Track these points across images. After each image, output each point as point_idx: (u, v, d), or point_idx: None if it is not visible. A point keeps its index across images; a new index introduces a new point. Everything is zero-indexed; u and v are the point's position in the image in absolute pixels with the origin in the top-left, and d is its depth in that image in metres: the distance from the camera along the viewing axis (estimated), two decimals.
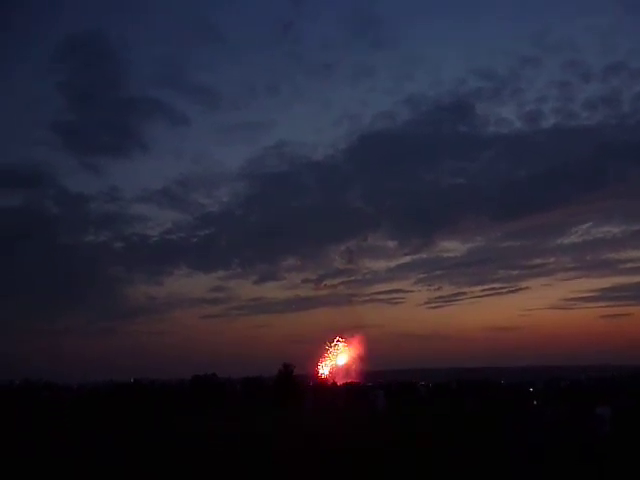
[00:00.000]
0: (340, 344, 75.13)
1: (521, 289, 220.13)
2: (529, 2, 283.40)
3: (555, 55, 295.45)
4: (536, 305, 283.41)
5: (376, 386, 71.72)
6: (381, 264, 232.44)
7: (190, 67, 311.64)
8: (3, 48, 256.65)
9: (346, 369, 75.80)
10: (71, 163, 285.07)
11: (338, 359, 75.46)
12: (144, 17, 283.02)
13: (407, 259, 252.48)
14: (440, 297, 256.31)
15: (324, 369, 75.66)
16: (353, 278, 74.55)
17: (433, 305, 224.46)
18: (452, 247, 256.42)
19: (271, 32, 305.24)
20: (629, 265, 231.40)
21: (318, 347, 75.29)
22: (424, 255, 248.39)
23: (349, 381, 75.20)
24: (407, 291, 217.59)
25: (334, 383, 74.06)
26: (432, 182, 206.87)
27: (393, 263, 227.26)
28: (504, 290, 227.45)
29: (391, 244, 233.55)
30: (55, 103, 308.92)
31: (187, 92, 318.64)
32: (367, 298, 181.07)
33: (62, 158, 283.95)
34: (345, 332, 74.72)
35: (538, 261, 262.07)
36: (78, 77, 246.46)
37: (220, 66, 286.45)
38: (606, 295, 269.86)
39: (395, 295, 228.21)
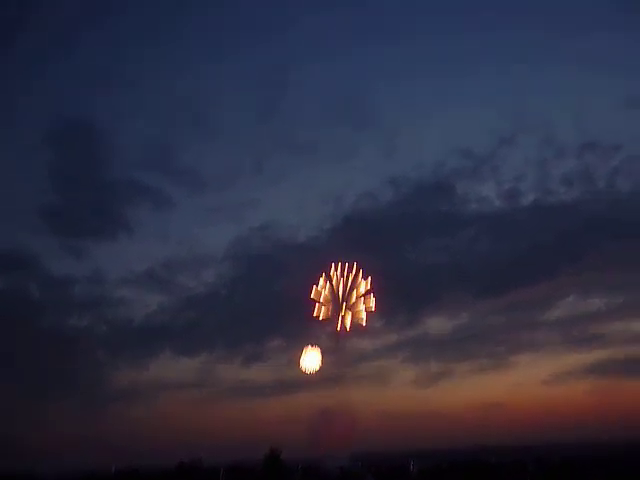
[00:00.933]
0: (328, 425, 74.13)
1: (509, 365, 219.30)
2: (505, 84, 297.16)
3: (530, 134, 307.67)
4: (525, 381, 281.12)
5: (365, 468, 70.31)
6: (367, 343, 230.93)
7: (175, 149, 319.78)
8: None
9: (334, 451, 74.48)
10: (55, 246, 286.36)
11: (326, 440, 74.27)
12: (130, 100, 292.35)
13: (393, 337, 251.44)
14: (428, 375, 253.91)
15: (312, 451, 74.33)
16: (340, 358, 74.46)
17: (421, 383, 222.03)
18: (438, 324, 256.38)
19: (256, 114, 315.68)
20: (615, 337, 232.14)
21: (305, 429, 74.20)
22: (410, 333, 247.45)
23: (338, 464, 73.76)
24: (394, 370, 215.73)
25: (322, 466, 72.65)
26: (415, 260, 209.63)
27: (379, 342, 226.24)
28: (492, 367, 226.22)
29: (377, 323, 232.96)
30: (40, 186, 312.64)
31: (172, 174, 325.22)
32: (354, 377, 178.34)
33: (46, 241, 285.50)
34: (332, 413, 73.85)
35: (524, 336, 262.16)
36: (64, 160, 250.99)
37: (205, 148, 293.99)
38: (594, 369, 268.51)
39: (383, 374, 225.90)
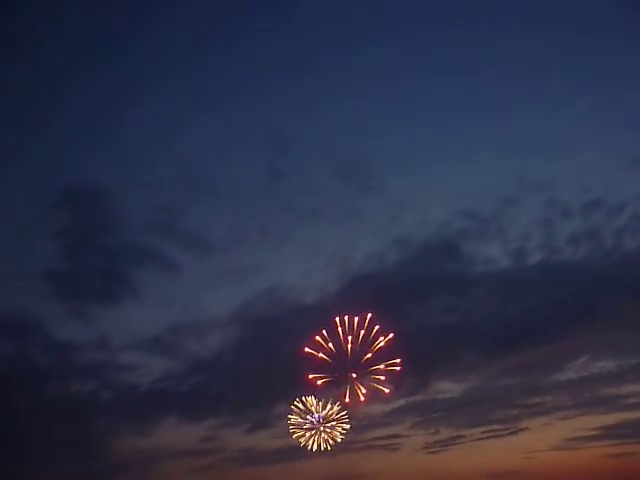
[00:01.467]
0: None
1: (522, 430, 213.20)
2: (508, 145, 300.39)
3: (534, 195, 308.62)
4: (538, 446, 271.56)
5: None
6: (376, 408, 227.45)
7: (179, 214, 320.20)
8: None
9: None
10: (60, 311, 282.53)
11: None
12: (134, 163, 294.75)
13: (402, 402, 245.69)
14: (438, 441, 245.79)
15: None
16: (347, 425, 72.13)
17: (431, 450, 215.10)
18: (447, 388, 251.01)
19: (261, 179, 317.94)
20: (630, 401, 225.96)
21: None
22: (419, 397, 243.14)
23: None
24: (403, 436, 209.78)
25: None
26: (422, 322, 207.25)
27: (388, 407, 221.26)
28: (504, 432, 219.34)
29: (385, 389, 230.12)
30: (44, 252, 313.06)
31: (177, 239, 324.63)
32: (363, 445, 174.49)
33: (51, 306, 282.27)
34: None
35: (536, 400, 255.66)
36: (67, 226, 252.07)
37: (210, 212, 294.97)
38: (609, 433, 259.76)
39: (392, 440, 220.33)
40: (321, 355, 74.87)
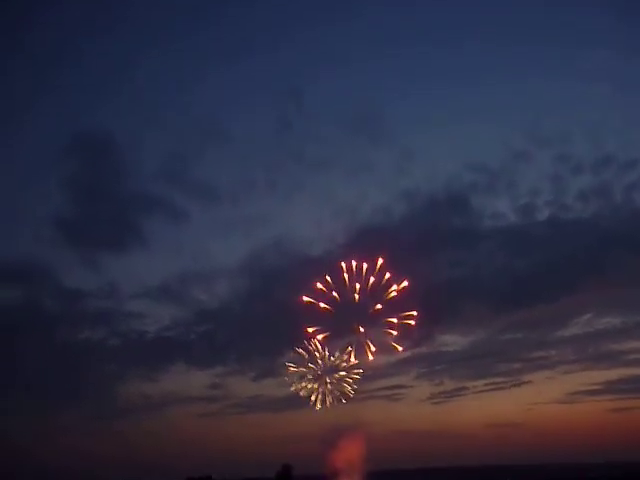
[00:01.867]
0: (340, 442, 72.85)
1: (524, 383, 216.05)
2: (521, 97, 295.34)
3: (545, 149, 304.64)
4: (540, 399, 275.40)
5: None
6: (381, 359, 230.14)
7: (189, 163, 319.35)
8: (8, 144, 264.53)
9: (347, 469, 73.19)
10: (70, 258, 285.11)
11: (339, 458, 73.05)
12: (146, 113, 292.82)
13: (407, 354, 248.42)
14: (442, 392, 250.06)
15: (325, 469, 73.11)
16: (353, 374, 72.35)
17: (435, 401, 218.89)
18: (452, 340, 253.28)
19: (272, 129, 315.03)
20: (632, 356, 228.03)
21: (318, 446, 72.90)
22: (424, 349, 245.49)
23: None
24: (408, 386, 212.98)
25: None
26: (429, 275, 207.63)
27: (393, 358, 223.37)
28: (507, 384, 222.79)
29: (390, 339, 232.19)
30: (55, 199, 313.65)
31: (186, 187, 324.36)
32: (367, 395, 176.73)
33: (61, 253, 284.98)
34: (346, 430, 72.59)
35: (540, 354, 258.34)
36: (78, 173, 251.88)
37: (219, 161, 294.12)
38: (611, 388, 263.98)
39: (396, 391, 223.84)
40: (323, 305, 65.54)
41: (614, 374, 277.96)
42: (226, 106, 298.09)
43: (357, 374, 71.11)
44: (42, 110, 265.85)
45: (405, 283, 65.38)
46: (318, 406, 68.67)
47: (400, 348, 64.75)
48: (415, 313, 64.15)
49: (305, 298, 67.19)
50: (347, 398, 71.89)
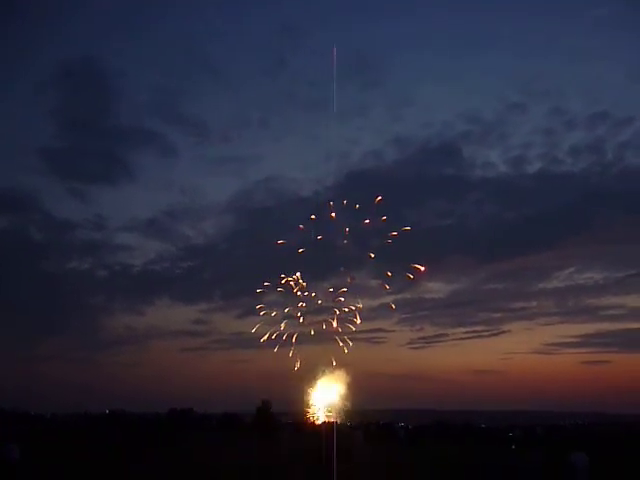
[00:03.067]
0: (320, 382, 73.99)
1: (503, 332, 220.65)
2: (517, 49, 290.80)
3: (541, 102, 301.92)
4: (517, 349, 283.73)
5: (354, 426, 71.01)
6: (363, 303, 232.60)
7: (181, 98, 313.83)
8: None
9: (325, 407, 74.64)
10: (57, 189, 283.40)
11: (317, 397, 74.35)
12: (137, 46, 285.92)
13: (390, 299, 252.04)
14: (422, 338, 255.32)
15: (304, 407, 74.53)
16: (335, 315, 73.41)
17: (415, 346, 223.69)
18: (435, 288, 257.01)
19: (264, 67, 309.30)
20: (610, 312, 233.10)
21: (298, 385, 74.06)
22: (407, 295, 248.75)
23: (328, 420, 74.24)
24: (389, 331, 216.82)
25: (313, 422, 73.18)
26: (417, 222, 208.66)
27: (376, 302, 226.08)
28: (486, 333, 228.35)
29: (374, 283, 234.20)
30: (44, 130, 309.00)
31: (177, 123, 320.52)
32: (349, 337, 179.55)
33: (49, 184, 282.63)
34: (326, 370, 73.55)
35: (520, 304, 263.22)
36: (68, 104, 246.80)
37: (212, 98, 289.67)
38: (587, 341, 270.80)
39: (377, 334, 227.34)
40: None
41: (591, 328, 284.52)
42: (220, 42, 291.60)
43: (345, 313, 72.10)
44: (29, 38, 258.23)
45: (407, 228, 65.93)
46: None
47: (394, 306, 65.90)
48: (422, 268, 64.68)
49: (280, 241, 67.48)
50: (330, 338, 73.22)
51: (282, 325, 78.66)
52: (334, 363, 77.61)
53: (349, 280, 74.48)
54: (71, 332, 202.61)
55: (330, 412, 75.72)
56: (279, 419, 72.47)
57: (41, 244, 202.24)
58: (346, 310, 79.24)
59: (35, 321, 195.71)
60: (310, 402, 76.15)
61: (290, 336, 77.68)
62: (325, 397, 76.93)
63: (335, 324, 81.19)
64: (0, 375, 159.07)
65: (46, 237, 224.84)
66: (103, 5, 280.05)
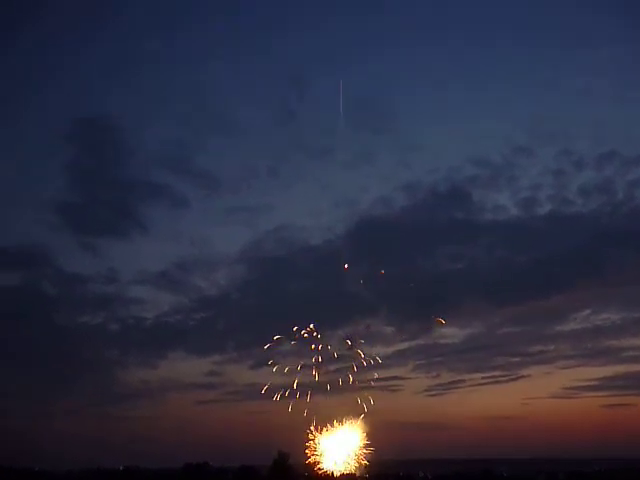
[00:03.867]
0: (337, 433, 73.37)
1: (522, 377, 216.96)
2: (522, 93, 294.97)
3: (548, 144, 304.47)
4: (537, 394, 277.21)
5: (374, 478, 69.78)
6: (378, 350, 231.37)
7: (192, 150, 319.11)
8: (9, 128, 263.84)
9: (343, 459, 73.71)
10: (69, 244, 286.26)
11: (335, 449, 73.56)
12: (149, 100, 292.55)
13: (405, 345, 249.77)
14: (439, 384, 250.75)
15: (321, 459, 73.60)
16: (350, 365, 72.64)
17: (432, 393, 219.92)
18: (450, 333, 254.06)
19: (273, 117, 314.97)
20: (630, 353, 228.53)
21: (315, 436, 73.45)
22: (422, 341, 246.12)
23: (346, 472, 73.08)
24: (405, 378, 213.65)
25: (331, 474, 71.98)
26: (429, 268, 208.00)
27: (391, 349, 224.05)
28: (504, 378, 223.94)
29: (388, 330, 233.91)
30: (56, 184, 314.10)
31: (188, 175, 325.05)
32: (364, 385, 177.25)
33: (61, 238, 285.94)
34: (342, 421, 73.06)
35: (538, 348, 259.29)
36: (80, 158, 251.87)
37: (221, 149, 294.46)
38: (607, 384, 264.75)
39: (393, 382, 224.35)
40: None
41: (611, 370, 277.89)
42: (229, 94, 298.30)
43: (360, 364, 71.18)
44: (44, 94, 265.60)
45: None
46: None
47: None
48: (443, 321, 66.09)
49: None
50: (343, 387, 72.21)
51: (296, 378, 77.05)
52: (350, 415, 76.10)
53: (366, 327, 73.68)
54: (85, 387, 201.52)
55: (348, 464, 74.56)
56: (296, 471, 71.31)
57: (53, 299, 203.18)
58: (362, 359, 78.17)
59: (49, 377, 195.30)
60: (327, 454, 75.10)
61: (304, 389, 76.21)
62: (342, 449, 75.90)
63: (351, 376, 79.60)
64: (13, 430, 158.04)
65: (58, 291, 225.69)
66: (114, 61, 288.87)
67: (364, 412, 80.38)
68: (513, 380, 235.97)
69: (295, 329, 71.58)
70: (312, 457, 74.88)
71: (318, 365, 75.41)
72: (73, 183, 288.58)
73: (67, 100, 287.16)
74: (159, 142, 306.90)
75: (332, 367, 76.62)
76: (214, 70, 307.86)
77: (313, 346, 74.94)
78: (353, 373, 77.71)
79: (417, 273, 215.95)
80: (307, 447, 73.70)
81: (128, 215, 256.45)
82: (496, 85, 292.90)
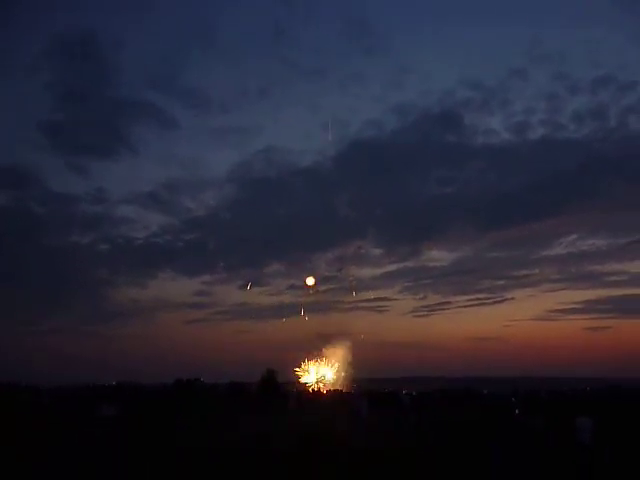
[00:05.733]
0: (324, 351, 75.21)
1: (506, 300, 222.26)
2: (519, 14, 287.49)
3: (543, 67, 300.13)
4: (520, 316, 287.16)
5: (360, 394, 71.86)
6: (367, 272, 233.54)
7: (181, 70, 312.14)
8: None
9: (330, 376, 75.89)
10: (57, 164, 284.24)
11: (322, 366, 75.60)
12: (136, 18, 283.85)
13: (393, 267, 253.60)
14: (425, 306, 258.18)
15: (308, 376, 75.75)
16: (339, 285, 74.13)
17: (418, 314, 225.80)
18: (438, 256, 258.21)
19: (264, 36, 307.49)
20: (613, 278, 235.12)
21: (302, 354, 75.35)
22: (410, 264, 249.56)
23: (333, 388, 75.40)
24: (392, 299, 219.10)
25: (318, 390, 74.22)
26: (419, 191, 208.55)
27: (379, 271, 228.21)
28: (489, 300, 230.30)
29: (377, 252, 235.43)
30: (42, 103, 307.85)
31: (177, 95, 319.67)
32: (352, 306, 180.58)
33: (48, 158, 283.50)
34: (330, 339, 74.85)
35: (523, 272, 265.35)
36: (67, 77, 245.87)
37: (212, 69, 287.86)
38: (590, 307, 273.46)
39: (380, 303, 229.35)
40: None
41: (594, 294, 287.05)
42: (219, 11, 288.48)
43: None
44: (24, 8, 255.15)
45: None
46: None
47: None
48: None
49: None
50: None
51: (284, 298, 79.90)
52: (338, 335, 78.62)
53: (358, 247, 75.95)
54: (75, 306, 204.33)
55: (335, 380, 76.76)
56: (285, 388, 73.37)
57: (42, 218, 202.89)
58: (351, 280, 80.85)
59: (39, 296, 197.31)
60: (314, 372, 77.20)
61: (292, 309, 78.35)
62: (329, 367, 77.95)
63: (339, 297, 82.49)
64: (4, 349, 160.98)
65: (47, 211, 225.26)
66: None
67: (351, 332, 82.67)
68: (498, 303, 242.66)
69: (284, 251, 72.67)
70: (299, 374, 77.37)
71: (306, 286, 76.51)
72: (56, 103, 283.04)
73: (44, 16, 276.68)
74: (147, 60, 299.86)
75: (321, 288, 77.90)
76: None
77: (302, 267, 76.06)
78: (341, 294, 79.10)
79: (407, 197, 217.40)
80: (295, 365, 76.00)
81: (115, 135, 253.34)
82: (492, 6, 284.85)
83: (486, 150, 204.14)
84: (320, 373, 75.30)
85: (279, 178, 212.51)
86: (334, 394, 71.43)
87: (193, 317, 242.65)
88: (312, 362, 75.45)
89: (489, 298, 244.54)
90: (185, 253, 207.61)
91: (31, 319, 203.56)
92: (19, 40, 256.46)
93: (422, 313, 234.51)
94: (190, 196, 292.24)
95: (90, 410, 44.46)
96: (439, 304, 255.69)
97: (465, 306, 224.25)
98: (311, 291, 75.85)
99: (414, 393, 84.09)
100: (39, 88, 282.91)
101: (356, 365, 74.61)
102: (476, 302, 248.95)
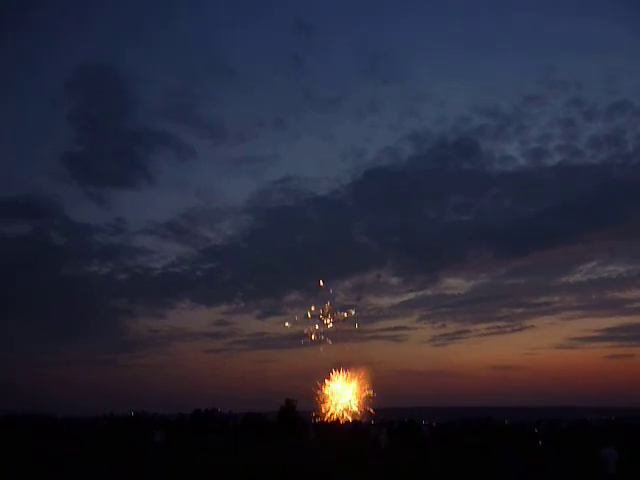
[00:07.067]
0: (344, 381, 74.57)
1: (526, 328, 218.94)
2: (533, 40, 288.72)
3: (559, 93, 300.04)
4: (540, 344, 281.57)
5: (379, 424, 71.08)
6: (385, 301, 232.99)
7: (198, 100, 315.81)
8: (13, 79, 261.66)
9: (349, 406, 75.10)
10: (77, 194, 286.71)
11: (341, 396, 74.88)
12: (154, 49, 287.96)
13: (411, 296, 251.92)
14: (444, 335, 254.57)
15: (327, 406, 75.02)
16: (357, 314, 73.35)
17: (437, 343, 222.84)
18: (456, 284, 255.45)
19: (280, 66, 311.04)
20: (635, 305, 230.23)
21: (321, 383, 74.71)
22: (428, 292, 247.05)
23: (352, 418, 74.61)
24: (411, 328, 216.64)
25: (337, 420, 73.48)
26: (436, 219, 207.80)
27: (397, 300, 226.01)
28: (508, 329, 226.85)
29: (395, 280, 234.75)
30: (63, 134, 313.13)
31: (194, 125, 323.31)
32: (371, 335, 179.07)
33: (68, 189, 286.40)
34: (349, 369, 74.25)
35: (543, 299, 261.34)
36: (87, 108, 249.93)
37: (228, 99, 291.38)
38: (611, 335, 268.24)
39: (399, 332, 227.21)
40: None
41: (615, 322, 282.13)
42: (235, 42, 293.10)
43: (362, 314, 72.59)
44: (45, 43, 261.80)
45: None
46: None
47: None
48: None
49: None
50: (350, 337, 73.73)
51: (303, 328, 79.09)
52: (357, 364, 77.85)
53: (377, 276, 75.99)
54: (92, 336, 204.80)
55: (353, 411, 75.90)
56: (304, 418, 72.80)
57: (61, 249, 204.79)
58: (369, 309, 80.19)
59: (57, 327, 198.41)
60: (334, 401, 76.45)
61: (311, 338, 77.86)
62: (348, 397, 77.17)
63: (358, 325, 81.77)
64: (23, 379, 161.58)
65: (66, 242, 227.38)
66: (118, 9, 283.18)
67: (370, 361, 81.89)
68: (517, 331, 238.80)
69: (302, 279, 72.87)
70: (318, 404, 76.73)
71: (325, 315, 76.23)
72: (77, 133, 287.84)
73: (67, 49, 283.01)
74: (165, 91, 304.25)
75: (339, 317, 77.47)
76: (219, 17, 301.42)
77: (320, 296, 75.70)
78: (360, 323, 78.49)
79: (424, 224, 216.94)
80: (314, 395, 75.39)
81: (134, 165, 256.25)
82: (506, 32, 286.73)
83: (503, 177, 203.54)
84: (339, 402, 74.58)
85: (296, 207, 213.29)
86: (353, 424, 70.75)
87: (211, 347, 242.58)
88: (330, 391, 74.80)
89: (508, 326, 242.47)
90: (203, 283, 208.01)
91: (49, 349, 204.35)
92: (42, 74, 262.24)
93: (441, 342, 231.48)
94: (207, 226, 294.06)
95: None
96: (458, 332, 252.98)
97: (484, 334, 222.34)
98: (329, 320, 75.59)
99: (434, 424, 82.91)
100: (60, 120, 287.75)
101: (375, 394, 73.87)
102: (495, 330, 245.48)
